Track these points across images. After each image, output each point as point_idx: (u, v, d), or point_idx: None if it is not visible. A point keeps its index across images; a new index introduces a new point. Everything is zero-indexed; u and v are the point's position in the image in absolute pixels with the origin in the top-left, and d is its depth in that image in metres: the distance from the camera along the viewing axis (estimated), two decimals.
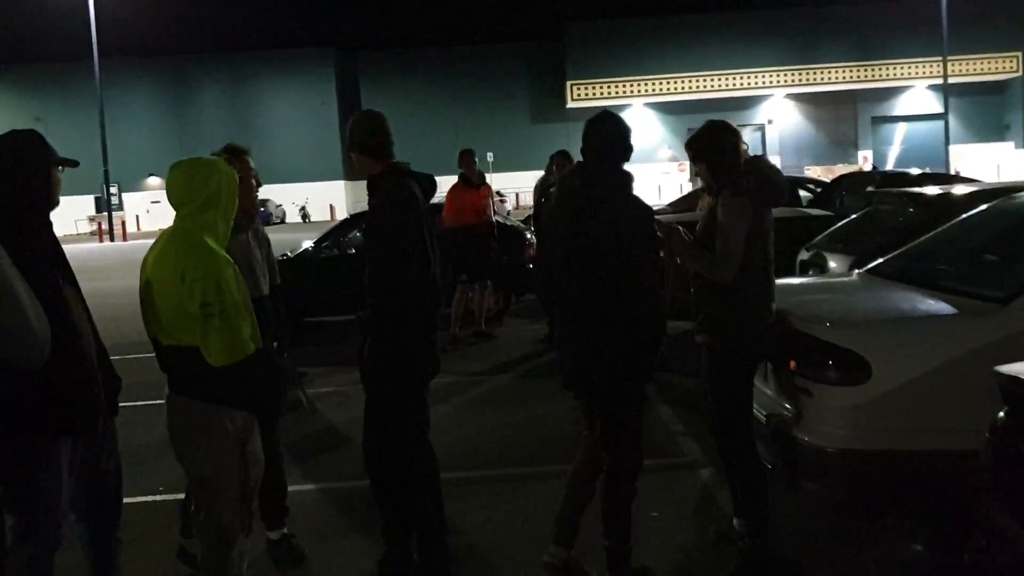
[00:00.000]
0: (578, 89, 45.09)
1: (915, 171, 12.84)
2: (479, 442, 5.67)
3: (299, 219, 45.12)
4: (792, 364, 3.74)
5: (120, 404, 3.12)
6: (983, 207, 4.91)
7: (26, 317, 1.91)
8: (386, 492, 3.75)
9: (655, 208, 4.02)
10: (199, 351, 2.84)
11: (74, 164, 3.11)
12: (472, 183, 9.04)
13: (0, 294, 1.88)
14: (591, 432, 3.68)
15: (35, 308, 1.96)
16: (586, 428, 3.72)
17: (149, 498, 4.82)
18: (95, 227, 38.71)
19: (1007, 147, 45.64)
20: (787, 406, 3.84)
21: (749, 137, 36.24)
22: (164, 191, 3.12)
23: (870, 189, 9.45)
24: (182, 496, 3.90)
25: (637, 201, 3.49)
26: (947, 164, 36.67)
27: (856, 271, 4.98)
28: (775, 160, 42.81)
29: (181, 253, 2.85)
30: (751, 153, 3.87)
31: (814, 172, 39.67)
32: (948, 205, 6.29)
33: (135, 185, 45.02)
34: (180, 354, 2.89)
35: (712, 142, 3.68)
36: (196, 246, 2.87)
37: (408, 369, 3.59)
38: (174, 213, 3.02)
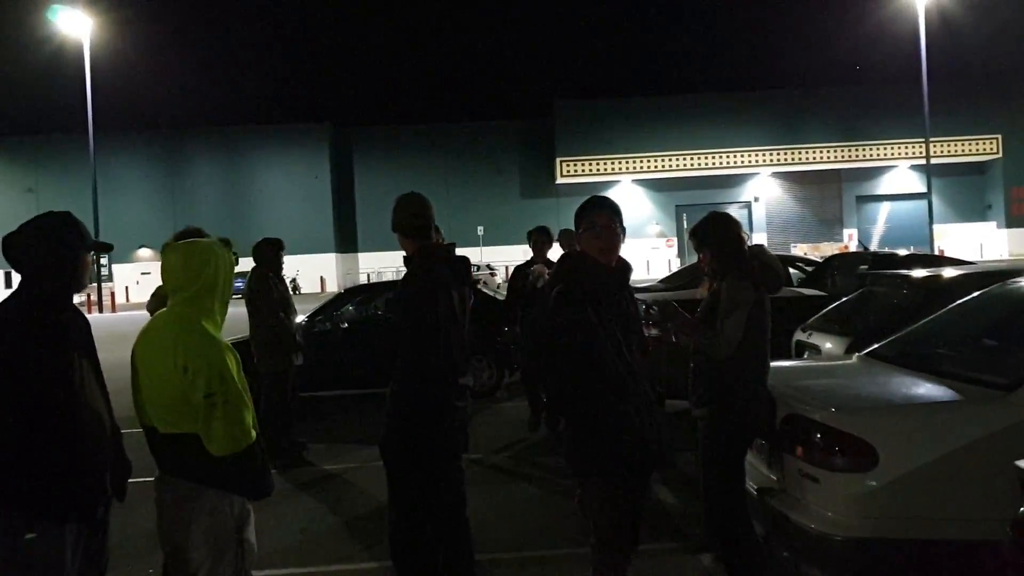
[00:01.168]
0: (567, 166, 45.84)
1: (902, 251, 12.93)
2: (483, 524, 5.53)
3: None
4: (799, 450, 3.70)
5: None
6: (981, 292, 4.93)
7: None
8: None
9: (647, 284, 4.13)
10: (199, 437, 2.77)
11: (108, 249, 3.11)
12: None
13: None
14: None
15: None
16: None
17: None
18: (84, 298, 38.54)
19: (989, 227, 46.54)
20: (791, 493, 3.78)
21: (736, 214, 36.47)
22: (155, 262, 3.11)
23: (863, 269, 9.50)
24: None
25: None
26: (931, 243, 37.17)
27: (856, 355, 4.96)
28: (762, 237, 43.38)
29: (181, 343, 2.78)
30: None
31: (800, 249, 40.16)
32: (942, 287, 6.33)
33: (125, 256, 45.00)
34: (179, 441, 2.81)
35: (715, 232, 3.90)
36: (197, 335, 2.82)
37: (430, 447, 3.60)
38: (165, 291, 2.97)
